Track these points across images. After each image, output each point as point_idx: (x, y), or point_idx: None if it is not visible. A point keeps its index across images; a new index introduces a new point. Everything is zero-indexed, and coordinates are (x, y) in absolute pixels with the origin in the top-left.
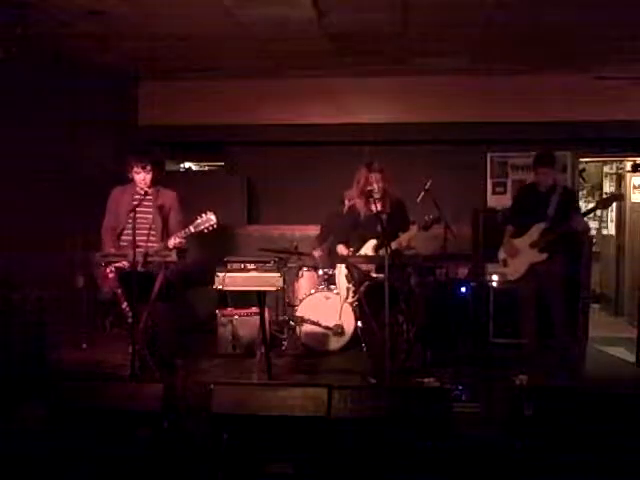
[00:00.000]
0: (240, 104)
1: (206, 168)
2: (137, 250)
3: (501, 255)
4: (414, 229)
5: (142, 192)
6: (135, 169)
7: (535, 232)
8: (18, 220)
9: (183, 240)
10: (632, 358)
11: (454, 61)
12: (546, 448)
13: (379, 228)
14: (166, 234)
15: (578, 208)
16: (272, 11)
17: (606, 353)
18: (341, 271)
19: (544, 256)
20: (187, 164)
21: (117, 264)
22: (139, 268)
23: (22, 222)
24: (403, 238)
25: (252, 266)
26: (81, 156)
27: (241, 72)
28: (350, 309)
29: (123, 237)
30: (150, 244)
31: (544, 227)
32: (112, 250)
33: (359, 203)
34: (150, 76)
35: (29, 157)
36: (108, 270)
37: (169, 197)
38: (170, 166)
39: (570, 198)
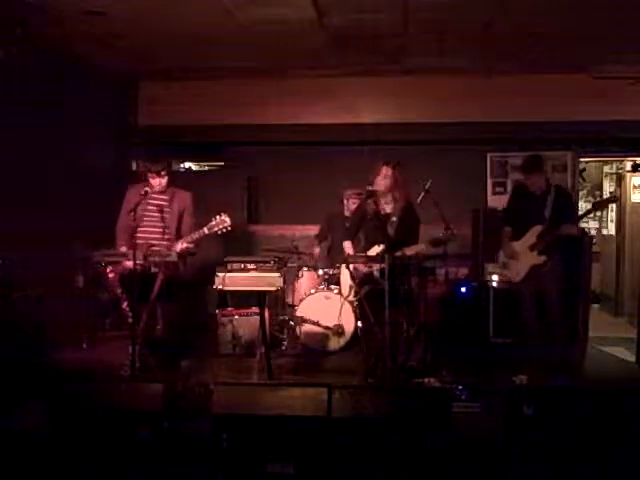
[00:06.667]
0: (240, 104)
1: (206, 168)
2: (146, 249)
3: (501, 258)
4: (422, 245)
5: (156, 192)
6: (150, 174)
7: (533, 235)
8: (18, 220)
9: (191, 245)
10: (632, 358)
11: (454, 61)
12: (546, 448)
13: (391, 231)
14: (178, 235)
15: (573, 210)
16: (272, 11)
17: (606, 353)
18: (345, 268)
19: (543, 258)
20: (187, 164)
21: (123, 263)
22: (139, 267)
23: (22, 222)
24: (409, 251)
25: (252, 266)
26: (81, 156)
27: (241, 72)
28: (350, 309)
29: (137, 235)
30: (164, 243)
31: (541, 230)
32: (124, 249)
33: (369, 202)
34: (150, 76)
35: (29, 157)
36: (108, 270)
37: (184, 198)
38: None
39: (565, 199)
